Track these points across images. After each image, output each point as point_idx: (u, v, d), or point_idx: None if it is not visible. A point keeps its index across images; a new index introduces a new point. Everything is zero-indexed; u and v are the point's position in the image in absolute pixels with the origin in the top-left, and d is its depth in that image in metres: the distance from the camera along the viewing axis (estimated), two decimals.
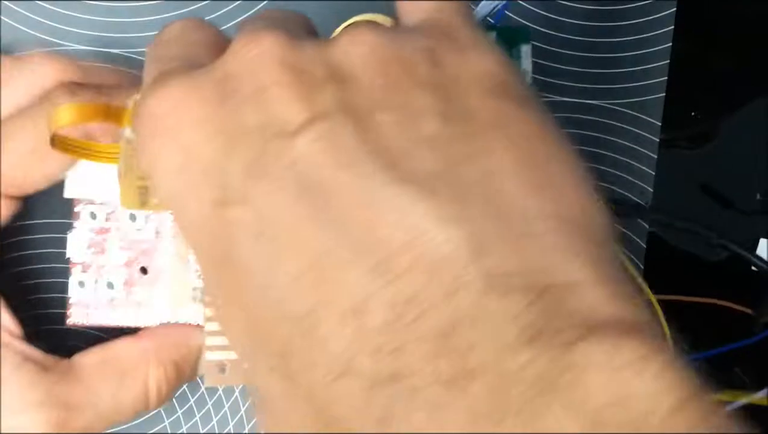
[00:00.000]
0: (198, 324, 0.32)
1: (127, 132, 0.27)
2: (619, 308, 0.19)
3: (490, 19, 0.32)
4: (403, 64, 0.22)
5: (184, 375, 0.32)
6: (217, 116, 0.22)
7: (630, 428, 0.17)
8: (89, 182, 0.31)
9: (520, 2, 0.39)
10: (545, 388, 0.18)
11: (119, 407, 0.31)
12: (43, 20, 0.36)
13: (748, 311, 0.40)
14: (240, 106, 0.22)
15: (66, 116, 0.26)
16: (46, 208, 0.36)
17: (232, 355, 0.29)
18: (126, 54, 0.37)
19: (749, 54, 0.40)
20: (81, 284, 0.31)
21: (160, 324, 0.32)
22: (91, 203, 0.32)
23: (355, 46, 0.22)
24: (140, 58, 0.37)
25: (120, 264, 0.32)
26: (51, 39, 0.36)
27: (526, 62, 0.32)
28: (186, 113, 0.22)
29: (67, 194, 0.31)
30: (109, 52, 0.37)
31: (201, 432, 0.38)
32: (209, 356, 0.29)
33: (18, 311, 0.32)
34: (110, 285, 0.32)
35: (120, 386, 0.31)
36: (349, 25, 0.26)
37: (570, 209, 0.21)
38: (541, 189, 0.21)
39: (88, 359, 0.31)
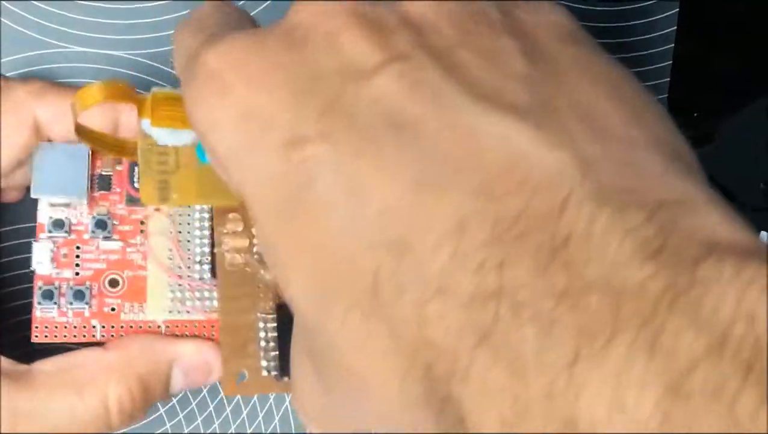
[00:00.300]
0: (167, 334, 0.31)
1: (145, 125, 0.26)
2: (737, 230, 0.18)
3: None
4: (475, 13, 0.22)
5: (153, 391, 0.30)
6: (285, 64, 0.21)
7: (756, 346, 0.16)
8: (55, 181, 0.31)
9: None
10: (668, 304, 0.17)
11: (74, 421, 0.29)
12: (43, 22, 0.35)
13: None
14: (310, 52, 0.21)
15: (93, 94, 0.26)
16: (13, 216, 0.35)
17: (248, 363, 0.28)
18: (128, 56, 0.36)
19: (751, 54, 0.39)
20: (46, 299, 0.30)
21: (128, 336, 0.31)
22: (57, 211, 0.31)
23: (423, 2, 0.22)
24: (145, 60, 0.36)
25: (87, 277, 0.31)
26: (52, 41, 0.35)
27: None
28: (248, 65, 0.21)
29: (34, 193, 0.30)
30: (112, 54, 0.36)
31: (202, 433, 0.37)
32: (226, 365, 0.28)
33: None
34: (77, 300, 0.30)
35: (76, 398, 0.29)
36: None
37: (665, 138, 0.21)
38: (636, 119, 0.21)
39: (47, 366, 0.30)
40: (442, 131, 0.20)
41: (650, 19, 0.39)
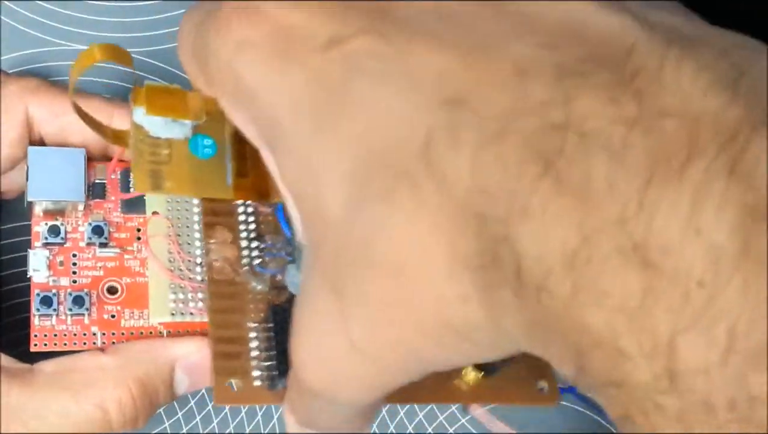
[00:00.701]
0: (166, 337, 0.30)
1: (137, 115, 0.26)
2: None
3: None
4: None
5: (156, 393, 0.30)
6: None
7: None
8: (52, 185, 0.30)
9: None
10: (749, 130, 0.16)
11: (71, 422, 0.29)
12: (44, 21, 0.35)
13: None
14: None
15: (92, 54, 0.25)
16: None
17: (239, 374, 0.28)
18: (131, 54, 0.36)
19: None
20: (44, 307, 0.29)
21: (128, 341, 0.30)
22: (52, 217, 0.30)
23: None
24: (144, 58, 0.36)
25: (85, 284, 0.30)
26: (52, 39, 0.35)
27: None
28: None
29: (30, 197, 0.30)
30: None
31: (201, 432, 0.37)
32: (216, 374, 0.28)
33: None
34: (75, 307, 0.30)
35: (72, 401, 0.29)
36: None
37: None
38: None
39: (47, 368, 0.29)
40: (489, 11, 0.19)
41: None
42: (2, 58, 0.35)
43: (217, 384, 0.27)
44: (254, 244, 0.30)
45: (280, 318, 0.28)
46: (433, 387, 0.29)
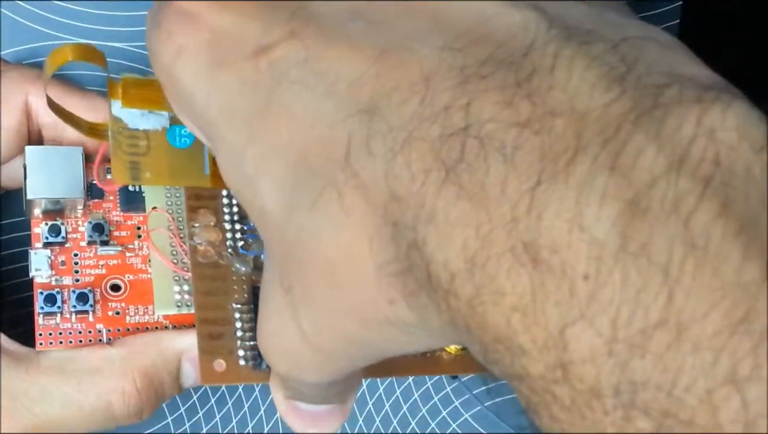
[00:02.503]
0: (172, 330, 0.31)
1: (115, 108, 0.27)
2: (698, 66, 0.18)
3: None
4: None
5: (162, 384, 0.30)
6: None
7: (716, 160, 0.16)
8: (52, 182, 0.30)
9: None
10: (631, 124, 0.17)
11: (74, 410, 0.29)
12: (45, 14, 0.35)
13: None
14: None
15: (65, 53, 0.25)
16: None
17: (225, 353, 0.28)
18: (130, 48, 0.36)
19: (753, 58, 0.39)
20: (47, 305, 0.29)
21: (133, 334, 0.30)
22: (51, 217, 0.30)
23: None
24: (144, 52, 0.36)
25: (88, 283, 0.30)
26: (54, 33, 0.35)
27: None
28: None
29: (30, 195, 0.30)
30: (113, 46, 0.36)
31: (203, 431, 0.37)
32: (202, 353, 0.28)
33: None
34: (79, 304, 0.30)
35: (75, 390, 0.29)
36: None
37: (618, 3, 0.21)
38: None
39: (52, 354, 0.30)
40: (400, 8, 0.20)
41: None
42: (4, 52, 0.35)
43: (203, 364, 0.28)
44: (237, 226, 0.30)
45: None
46: (416, 360, 0.29)
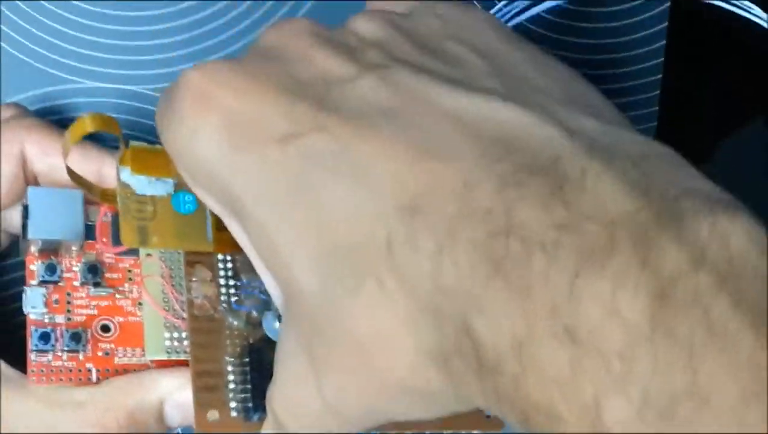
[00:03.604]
0: (154, 369, 0.32)
1: (123, 175, 0.28)
2: (706, 182, 0.22)
3: None
4: (420, 26, 0.25)
5: (145, 425, 0.31)
6: (269, 75, 0.24)
7: (729, 261, 0.19)
8: (52, 224, 0.31)
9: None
10: (656, 228, 0.20)
11: None
12: (58, 58, 0.36)
13: None
14: (289, 65, 0.24)
15: (84, 125, 0.28)
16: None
17: (218, 405, 0.29)
18: (143, 91, 0.37)
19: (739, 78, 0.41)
20: (41, 342, 0.30)
21: (119, 374, 0.31)
22: (47, 256, 0.31)
23: (372, 21, 0.25)
24: (155, 95, 0.37)
25: (80, 322, 0.31)
26: (69, 77, 0.36)
27: None
28: (232, 79, 0.24)
29: (31, 235, 0.31)
30: (126, 89, 0.37)
31: None
32: (197, 405, 0.29)
33: None
34: (72, 343, 0.31)
35: (58, 420, 0.30)
36: None
37: (618, 117, 0.25)
38: (591, 103, 0.25)
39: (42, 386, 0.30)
40: (429, 112, 0.22)
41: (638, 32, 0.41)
42: (21, 96, 0.35)
43: (198, 415, 0.29)
44: (231, 282, 0.31)
45: (255, 356, 0.30)
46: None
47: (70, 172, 0.29)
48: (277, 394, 0.26)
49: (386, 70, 0.23)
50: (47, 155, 0.32)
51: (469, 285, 0.21)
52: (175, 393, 0.31)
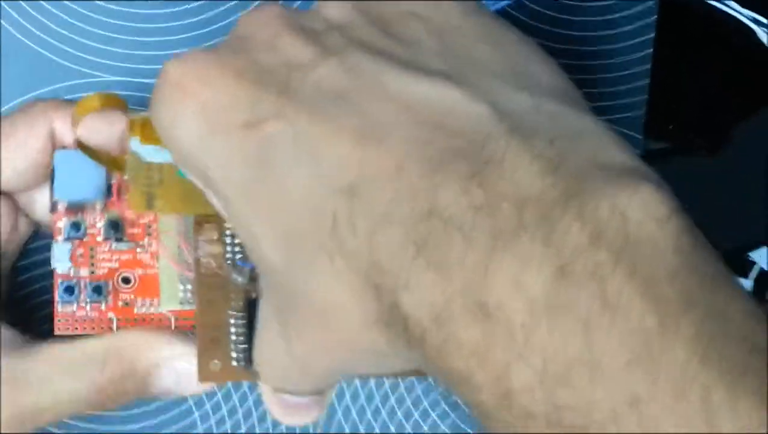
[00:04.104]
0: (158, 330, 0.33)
1: (133, 144, 0.30)
2: (622, 153, 0.23)
3: None
4: (384, 7, 0.26)
5: (135, 377, 0.32)
6: (236, 65, 0.25)
7: (626, 236, 0.21)
8: (76, 185, 0.33)
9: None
10: (559, 206, 0.21)
11: (56, 399, 0.31)
12: (78, 53, 0.38)
13: None
14: (256, 54, 0.25)
15: (92, 102, 0.31)
16: None
17: (220, 355, 0.31)
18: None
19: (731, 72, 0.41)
20: (66, 294, 0.33)
21: (138, 324, 0.33)
22: (73, 214, 0.33)
23: (339, 2, 0.27)
24: None
25: (102, 275, 0.33)
26: (86, 71, 0.38)
27: None
28: (203, 69, 0.25)
29: (56, 196, 0.33)
30: (145, 82, 0.38)
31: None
32: (201, 354, 0.31)
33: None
34: (94, 295, 0.33)
35: (68, 379, 0.32)
36: None
37: (562, 87, 0.26)
38: (536, 73, 0.26)
39: (49, 346, 0.32)
40: (377, 96, 0.24)
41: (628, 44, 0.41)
42: (42, 90, 0.38)
43: (201, 363, 0.31)
44: (236, 241, 0.32)
45: (255, 310, 0.31)
46: None
47: (80, 143, 0.32)
48: (257, 353, 0.29)
49: (344, 55, 0.25)
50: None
51: (398, 264, 0.22)
52: (172, 361, 0.33)
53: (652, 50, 0.40)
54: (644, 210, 0.21)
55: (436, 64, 0.25)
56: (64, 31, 0.38)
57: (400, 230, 0.22)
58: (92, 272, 0.34)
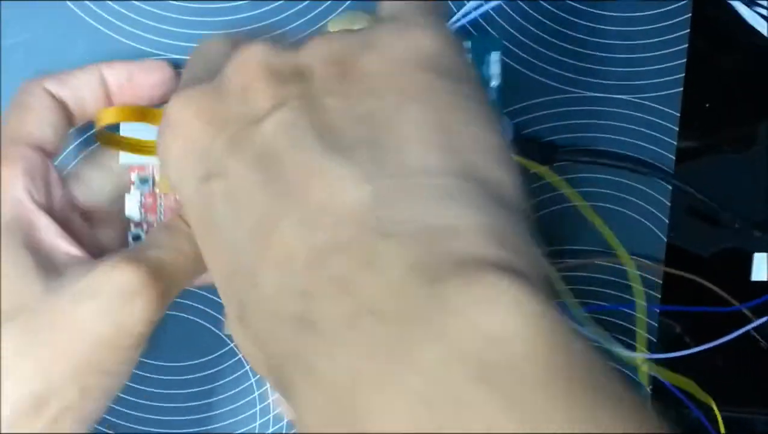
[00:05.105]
0: None
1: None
2: (498, 252, 0.21)
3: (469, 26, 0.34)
4: (346, 58, 0.26)
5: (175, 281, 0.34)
6: (210, 109, 0.27)
7: (480, 352, 0.19)
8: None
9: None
10: (417, 324, 0.20)
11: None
12: (137, 32, 0.41)
13: None
14: (228, 100, 0.26)
15: (108, 116, 0.34)
16: None
17: None
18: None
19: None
20: (137, 238, 0.38)
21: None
22: (142, 169, 0.38)
23: (316, 48, 0.26)
24: None
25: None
26: (121, 39, 0.41)
27: (495, 67, 0.34)
28: (190, 111, 0.28)
29: (122, 161, 0.38)
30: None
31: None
32: None
33: None
34: None
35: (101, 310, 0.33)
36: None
37: (475, 170, 0.24)
38: (448, 150, 0.24)
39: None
40: (293, 169, 0.24)
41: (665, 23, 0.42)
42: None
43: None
44: None
45: None
46: None
47: (100, 138, 0.36)
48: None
49: (287, 112, 0.25)
50: (127, 86, 0.38)
51: (277, 345, 0.24)
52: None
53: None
54: (501, 320, 0.20)
55: (354, 132, 0.24)
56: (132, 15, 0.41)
57: (271, 314, 0.24)
58: (160, 220, 0.38)
